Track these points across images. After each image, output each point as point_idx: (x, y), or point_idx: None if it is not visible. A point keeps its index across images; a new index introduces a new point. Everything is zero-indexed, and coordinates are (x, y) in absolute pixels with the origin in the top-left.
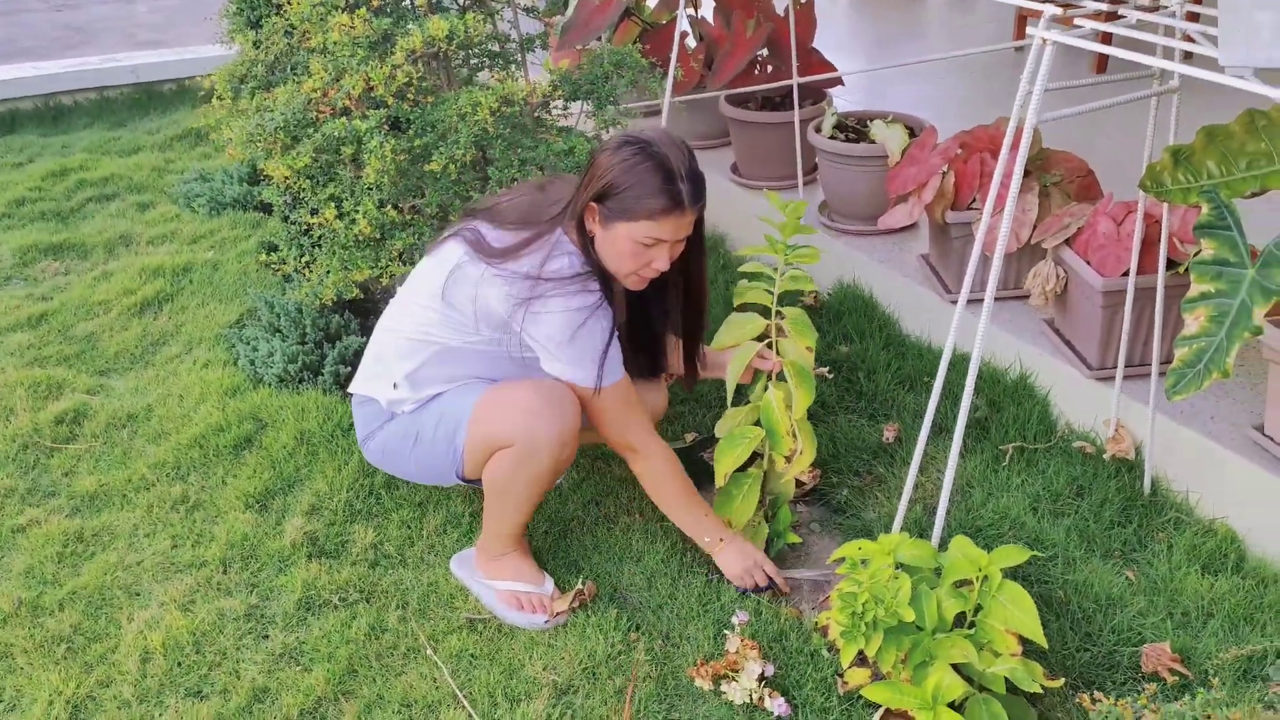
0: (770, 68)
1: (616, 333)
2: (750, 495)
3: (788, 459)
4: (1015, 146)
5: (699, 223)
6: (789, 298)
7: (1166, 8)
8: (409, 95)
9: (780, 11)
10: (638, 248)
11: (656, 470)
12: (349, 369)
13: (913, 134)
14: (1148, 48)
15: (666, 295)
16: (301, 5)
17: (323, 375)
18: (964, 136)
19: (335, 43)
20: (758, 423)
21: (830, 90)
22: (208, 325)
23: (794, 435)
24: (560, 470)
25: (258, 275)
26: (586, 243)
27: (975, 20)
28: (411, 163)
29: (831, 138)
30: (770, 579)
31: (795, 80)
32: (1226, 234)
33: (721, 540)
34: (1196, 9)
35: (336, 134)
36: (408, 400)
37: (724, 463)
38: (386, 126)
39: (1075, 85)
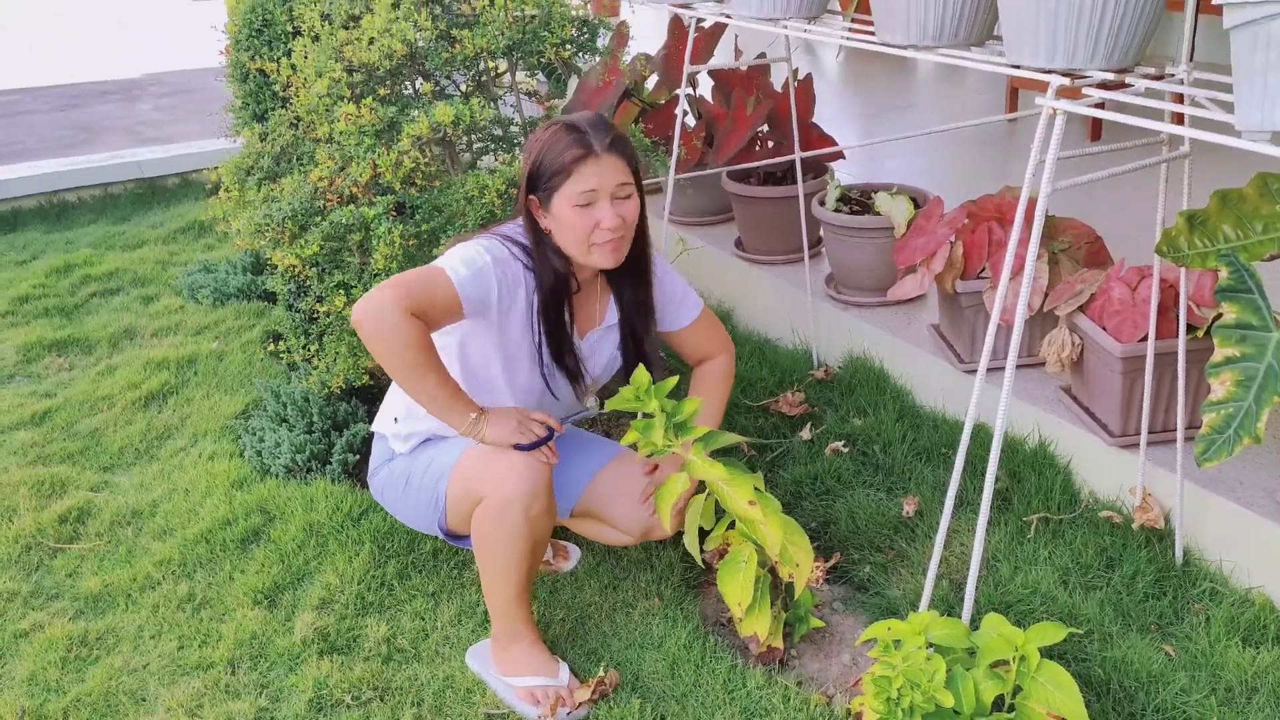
0: (771, 143)
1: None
2: (763, 602)
3: (790, 574)
4: (1029, 215)
5: (638, 187)
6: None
7: (1173, 75)
8: (416, 181)
9: (778, 88)
10: (578, 213)
11: (389, 331)
12: (357, 457)
13: (917, 205)
14: (1155, 114)
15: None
16: (308, 97)
17: (331, 465)
18: (970, 206)
19: (342, 132)
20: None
21: (831, 163)
22: (213, 417)
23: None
24: (537, 531)
25: (263, 365)
26: (538, 250)
27: (966, 90)
28: (419, 247)
29: (835, 210)
30: (547, 426)
31: (798, 155)
32: (1248, 297)
33: (483, 413)
34: (1203, 75)
35: (344, 221)
36: (404, 436)
37: (733, 594)
38: (394, 212)
39: (1082, 154)
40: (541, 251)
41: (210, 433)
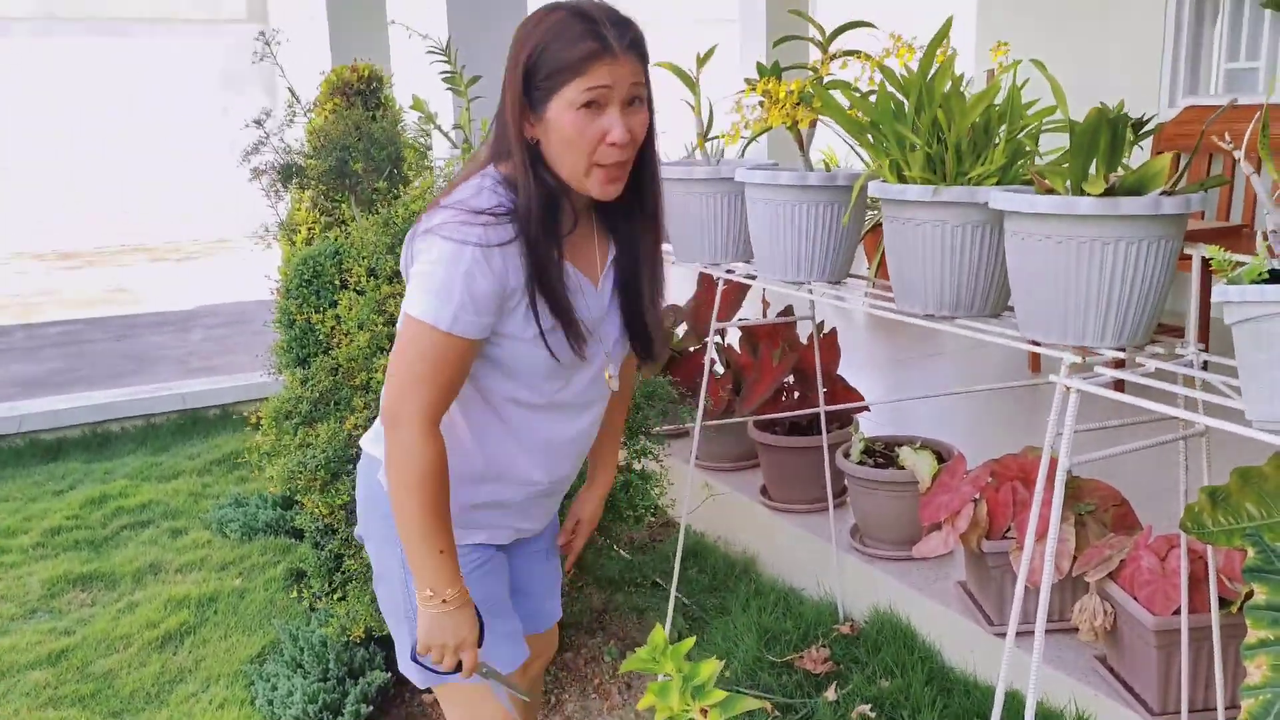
0: (797, 394)
1: (529, 286)
2: None
3: None
4: (1050, 485)
5: (649, 102)
6: None
7: (1183, 356)
8: None
9: (804, 340)
10: (580, 119)
11: (414, 459)
12: (370, 708)
13: (940, 459)
14: (1168, 394)
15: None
16: (350, 347)
17: (342, 716)
18: (994, 465)
19: (379, 382)
20: None
21: (856, 414)
22: (228, 660)
23: None
24: None
25: (284, 605)
26: (530, 166)
27: (989, 344)
28: None
29: (860, 463)
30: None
31: (822, 409)
32: (1277, 578)
33: (444, 603)
34: (1213, 358)
35: None
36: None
37: None
38: None
39: (1101, 427)
40: (533, 171)
41: (224, 677)
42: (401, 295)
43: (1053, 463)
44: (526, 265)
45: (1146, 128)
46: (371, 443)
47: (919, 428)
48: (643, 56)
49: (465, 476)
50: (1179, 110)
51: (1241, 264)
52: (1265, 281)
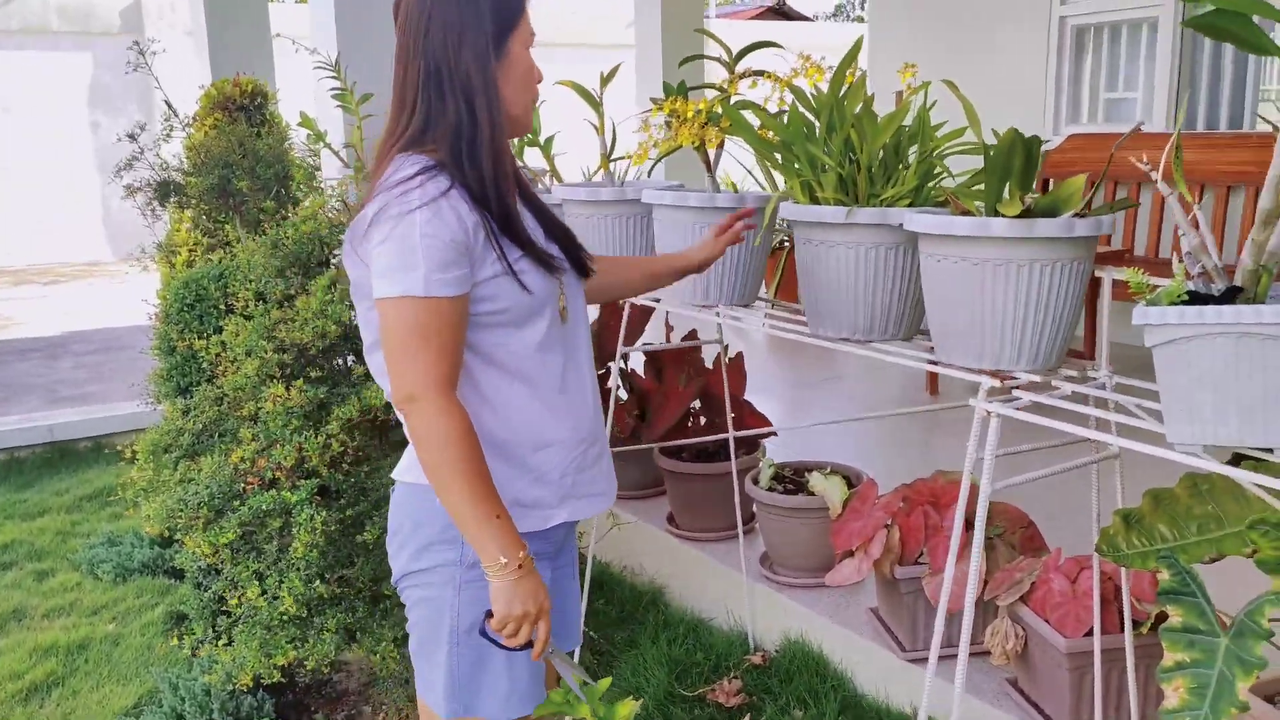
0: (703, 419)
1: (488, 230)
2: None
3: None
4: (970, 509)
5: None
6: None
7: (1095, 379)
8: (343, 464)
9: (710, 364)
10: (528, 56)
11: (439, 428)
12: None
13: (850, 483)
14: (1082, 418)
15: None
16: (236, 376)
17: None
18: (905, 490)
19: (268, 412)
20: None
21: (763, 439)
22: (101, 712)
23: None
24: None
25: (163, 652)
26: (492, 103)
27: (888, 366)
28: (342, 533)
29: (769, 489)
30: (530, 644)
31: (731, 435)
32: (1192, 600)
33: (520, 568)
34: (1125, 380)
35: (264, 507)
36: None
37: None
38: (318, 496)
39: (1016, 452)
40: (499, 106)
41: None
42: (292, 321)
43: (973, 488)
44: (474, 201)
45: None
46: (407, 470)
47: (822, 452)
48: None
49: (522, 450)
50: (1063, 138)
51: (1157, 286)
52: (1184, 303)
